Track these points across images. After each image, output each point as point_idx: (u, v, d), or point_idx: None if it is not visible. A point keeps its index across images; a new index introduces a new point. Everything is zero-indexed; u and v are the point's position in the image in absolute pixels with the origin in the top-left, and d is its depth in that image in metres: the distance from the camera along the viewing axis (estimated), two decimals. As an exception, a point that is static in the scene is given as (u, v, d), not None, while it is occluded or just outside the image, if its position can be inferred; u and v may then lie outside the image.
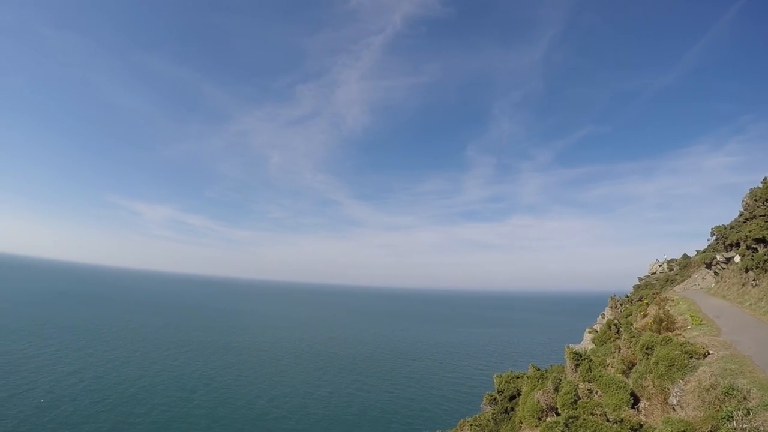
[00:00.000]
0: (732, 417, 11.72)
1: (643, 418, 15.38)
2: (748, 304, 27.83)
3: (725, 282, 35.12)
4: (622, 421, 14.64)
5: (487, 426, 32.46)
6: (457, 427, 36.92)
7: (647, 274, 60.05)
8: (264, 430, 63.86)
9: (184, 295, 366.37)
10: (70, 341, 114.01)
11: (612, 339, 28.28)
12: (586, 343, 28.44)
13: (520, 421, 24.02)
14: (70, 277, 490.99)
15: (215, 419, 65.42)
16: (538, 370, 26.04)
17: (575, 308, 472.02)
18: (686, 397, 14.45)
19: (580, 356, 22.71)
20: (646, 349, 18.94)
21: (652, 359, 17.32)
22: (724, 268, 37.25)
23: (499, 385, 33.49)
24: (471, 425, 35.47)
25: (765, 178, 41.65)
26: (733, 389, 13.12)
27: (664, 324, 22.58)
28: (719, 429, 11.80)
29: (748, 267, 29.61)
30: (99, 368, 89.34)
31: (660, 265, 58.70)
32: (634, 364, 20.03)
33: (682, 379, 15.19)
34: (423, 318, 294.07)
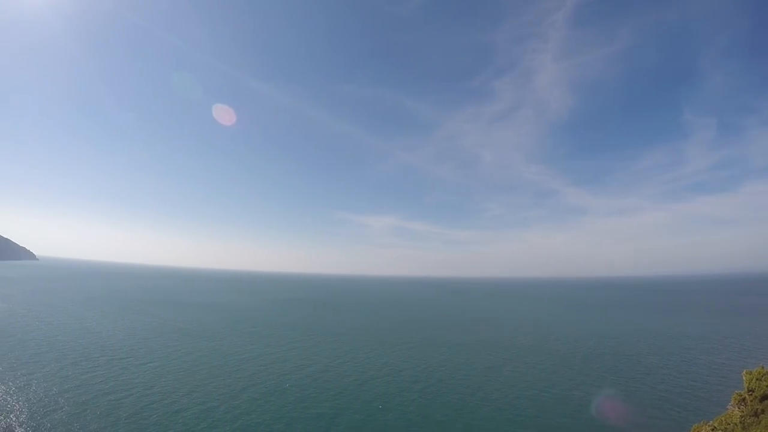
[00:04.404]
0: None
1: None
2: None
3: None
4: None
5: (733, 431, 28.19)
6: None
7: None
8: (473, 426, 65.25)
9: (409, 296, 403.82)
10: (303, 340, 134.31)
11: None
12: None
13: (774, 427, 20.75)
14: (310, 286, 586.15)
15: (427, 414, 69.11)
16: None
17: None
18: None
19: None
20: None
21: None
22: None
23: (749, 383, 28.89)
24: (713, 429, 31.27)
25: None
26: None
27: None
28: None
29: None
30: (326, 363, 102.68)
31: None
32: None
33: None
34: (653, 308, 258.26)
